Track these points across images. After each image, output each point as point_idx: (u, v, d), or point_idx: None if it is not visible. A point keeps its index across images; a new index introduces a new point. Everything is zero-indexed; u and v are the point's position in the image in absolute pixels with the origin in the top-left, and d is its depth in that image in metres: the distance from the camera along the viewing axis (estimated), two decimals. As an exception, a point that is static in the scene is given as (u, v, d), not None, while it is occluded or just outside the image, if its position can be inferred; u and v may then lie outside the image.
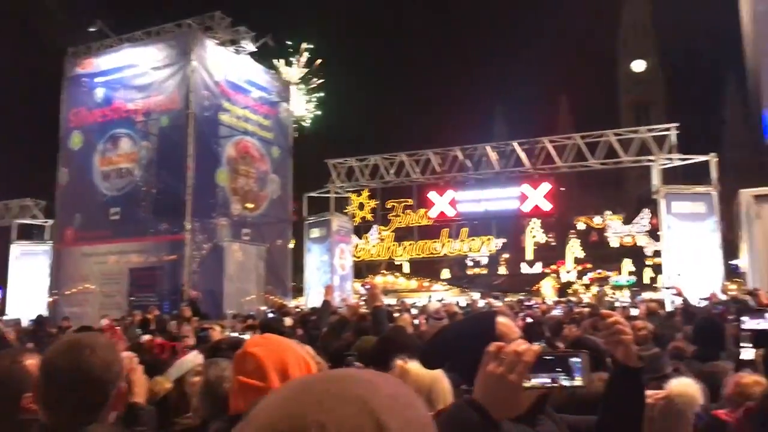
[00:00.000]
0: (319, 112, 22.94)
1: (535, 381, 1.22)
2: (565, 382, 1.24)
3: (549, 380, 1.23)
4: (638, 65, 78.90)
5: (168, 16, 19.63)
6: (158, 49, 18.57)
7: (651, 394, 2.72)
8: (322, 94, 22.90)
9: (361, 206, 25.64)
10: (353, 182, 21.57)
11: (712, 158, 17.30)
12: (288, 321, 8.27)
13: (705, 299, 9.36)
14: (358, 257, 25.51)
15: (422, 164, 20.41)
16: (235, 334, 6.95)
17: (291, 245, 21.83)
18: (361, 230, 26.60)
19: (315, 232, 21.25)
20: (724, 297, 10.03)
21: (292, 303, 18.75)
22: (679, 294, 9.28)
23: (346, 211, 23.28)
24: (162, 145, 17.88)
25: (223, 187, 18.61)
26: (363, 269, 30.62)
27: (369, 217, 26.01)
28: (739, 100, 52.87)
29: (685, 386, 2.88)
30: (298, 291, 22.50)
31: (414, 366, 2.34)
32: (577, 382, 1.25)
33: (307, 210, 21.73)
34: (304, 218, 21.61)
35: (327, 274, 20.10)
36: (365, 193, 25.13)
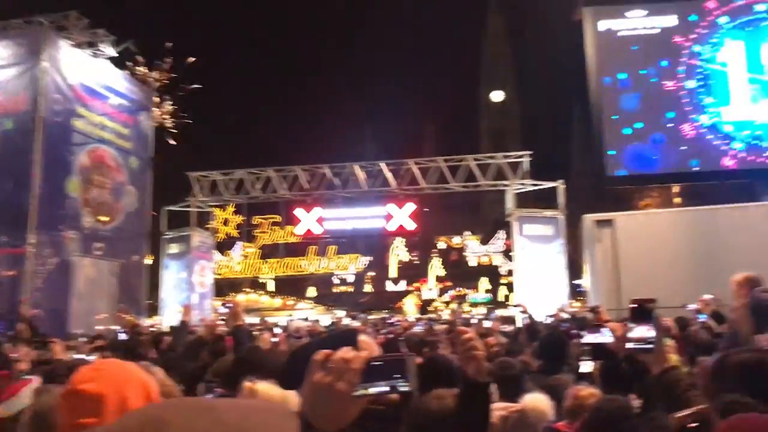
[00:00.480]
0: (189, 121, 22.11)
1: (371, 389, 1.17)
2: (402, 388, 1.19)
3: (387, 388, 1.18)
4: (497, 95, 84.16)
5: (16, 11, 18.07)
6: (2, 46, 17.05)
7: (506, 407, 2.84)
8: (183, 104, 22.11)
9: (226, 222, 24.84)
10: (216, 196, 20.97)
11: (560, 185, 18.69)
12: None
13: (551, 316, 10.00)
14: (221, 275, 24.72)
15: (290, 180, 20.26)
16: (81, 356, 6.45)
17: (148, 261, 20.73)
18: (224, 246, 25.80)
19: (173, 248, 20.34)
20: (565, 315, 10.76)
21: (147, 322, 17.76)
22: (525, 311, 9.84)
23: (208, 226, 22.54)
24: (4, 150, 16.34)
25: (74, 197, 17.32)
26: (225, 287, 29.73)
27: (234, 233, 25.27)
28: (584, 132, 57.69)
29: (537, 401, 3.04)
30: (154, 309, 21.37)
31: (264, 387, 2.29)
32: (408, 387, 1.20)
33: (166, 224, 20.78)
34: (162, 233, 20.64)
35: (185, 292, 19.29)
36: (230, 208, 24.42)
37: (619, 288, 14.13)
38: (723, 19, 17.24)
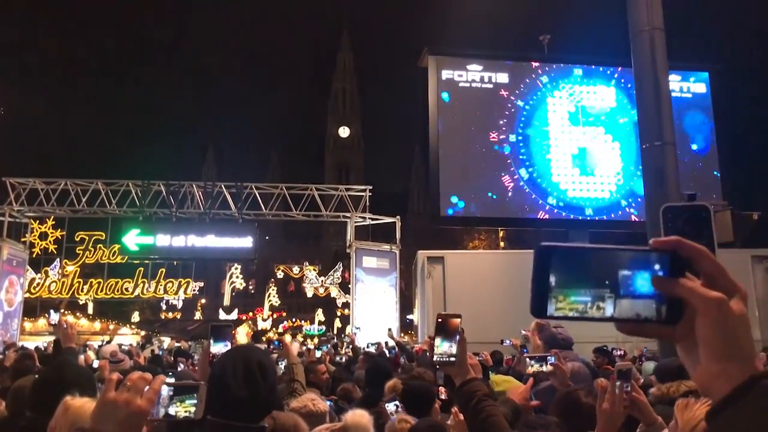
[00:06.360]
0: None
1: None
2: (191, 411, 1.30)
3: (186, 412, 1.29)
4: (343, 131, 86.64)
5: None
6: None
7: (328, 426, 2.95)
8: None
9: (44, 236, 22.62)
10: (36, 206, 19.22)
11: (397, 221, 19.41)
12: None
13: (374, 344, 10.41)
14: (33, 293, 22.37)
15: (120, 195, 19.12)
16: None
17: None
18: (41, 263, 23.33)
19: (-21, 261, 18.26)
20: (391, 342, 11.17)
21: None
22: (352, 342, 10.20)
23: (24, 239, 20.50)
24: None
25: None
26: (38, 307, 26.99)
27: (52, 248, 22.97)
28: (423, 174, 60.56)
29: (359, 416, 3.16)
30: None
31: (81, 401, 2.23)
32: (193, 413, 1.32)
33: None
34: (-33, 243, 18.47)
35: (-11, 310, 17.33)
36: (50, 222, 22.26)
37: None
38: (545, 78, 18.89)
